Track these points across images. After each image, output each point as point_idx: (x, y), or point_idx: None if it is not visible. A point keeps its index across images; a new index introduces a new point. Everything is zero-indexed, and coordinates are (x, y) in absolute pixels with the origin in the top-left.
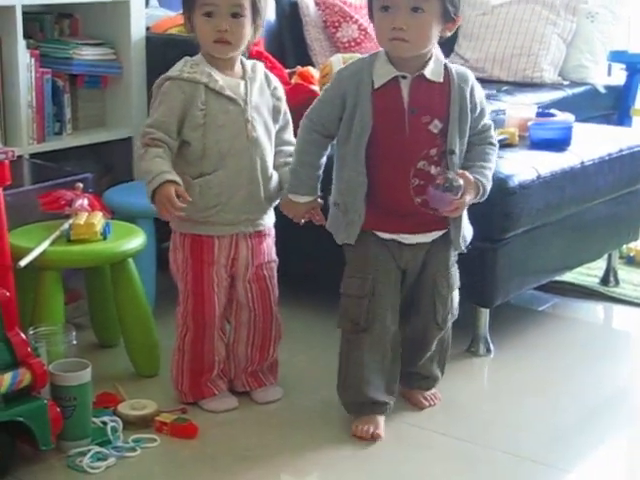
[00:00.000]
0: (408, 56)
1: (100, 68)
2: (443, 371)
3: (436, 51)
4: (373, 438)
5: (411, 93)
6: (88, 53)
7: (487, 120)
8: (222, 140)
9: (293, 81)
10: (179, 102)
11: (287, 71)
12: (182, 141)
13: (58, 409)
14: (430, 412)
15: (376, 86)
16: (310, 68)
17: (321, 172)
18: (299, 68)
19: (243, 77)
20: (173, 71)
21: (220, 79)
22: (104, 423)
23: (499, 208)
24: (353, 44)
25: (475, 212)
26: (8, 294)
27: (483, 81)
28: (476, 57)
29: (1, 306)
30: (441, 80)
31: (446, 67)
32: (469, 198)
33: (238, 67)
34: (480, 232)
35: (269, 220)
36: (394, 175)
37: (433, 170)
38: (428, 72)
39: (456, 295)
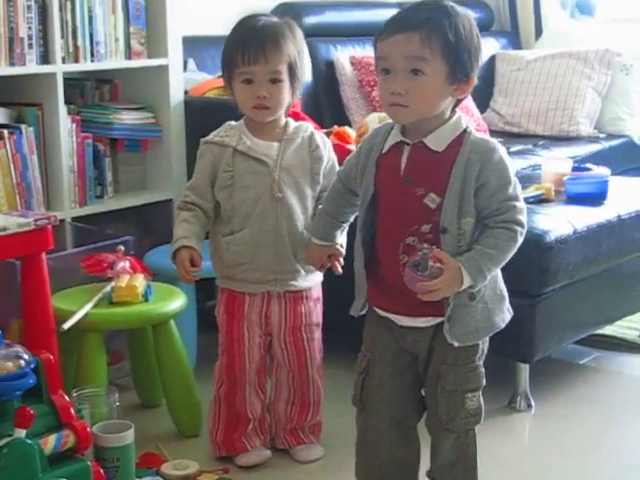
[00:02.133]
0: (410, 122)
1: (140, 132)
2: None
3: (456, 117)
4: None
5: (408, 162)
6: (128, 117)
7: (510, 201)
8: (248, 200)
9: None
10: (209, 164)
11: (324, 131)
12: (216, 201)
13: (102, 470)
14: None
15: (384, 151)
16: (347, 128)
17: (342, 222)
18: (335, 128)
19: (281, 139)
20: (210, 136)
21: (249, 141)
22: None
23: (536, 263)
24: None
25: (513, 268)
26: (52, 357)
27: (519, 136)
28: (512, 112)
29: (46, 369)
30: (442, 149)
31: (462, 135)
32: (445, 283)
33: (279, 129)
34: (518, 288)
35: (306, 282)
36: (385, 248)
37: (442, 240)
38: (429, 139)
39: (474, 397)
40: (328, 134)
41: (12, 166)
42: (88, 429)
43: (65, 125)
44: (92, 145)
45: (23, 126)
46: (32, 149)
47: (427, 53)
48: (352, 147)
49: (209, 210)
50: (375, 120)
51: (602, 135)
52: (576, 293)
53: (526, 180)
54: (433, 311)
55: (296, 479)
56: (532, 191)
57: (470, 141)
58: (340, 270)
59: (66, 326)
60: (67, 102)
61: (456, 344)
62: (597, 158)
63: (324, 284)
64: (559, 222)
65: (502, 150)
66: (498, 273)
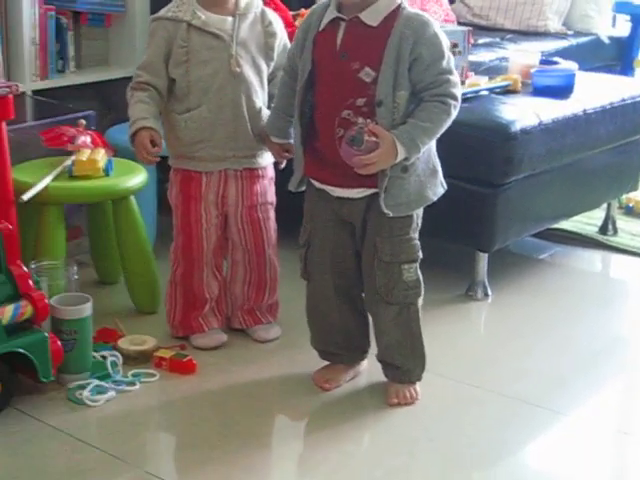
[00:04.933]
0: (354, 2)
1: (104, 6)
2: (418, 365)
3: None
4: (324, 389)
5: (344, 37)
6: None
7: (443, 75)
8: (205, 75)
9: (297, 23)
10: (163, 41)
11: (291, 13)
12: (171, 79)
13: (59, 342)
14: (428, 353)
15: (320, 29)
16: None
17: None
18: (302, 10)
19: (234, 14)
20: (160, 12)
21: (204, 16)
22: (104, 357)
23: (500, 152)
24: None
25: (476, 156)
26: (11, 227)
27: (487, 29)
28: (480, 5)
29: (3, 239)
30: (376, 24)
31: (397, 10)
32: (381, 156)
33: (231, 4)
34: (480, 177)
35: (262, 160)
36: (322, 123)
37: (361, 122)
38: (364, 15)
39: (410, 268)
40: (295, 16)
41: None
42: (46, 301)
43: None
44: (55, 17)
45: None
46: None
47: None
48: None
49: (163, 89)
50: None
51: (570, 32)
52: (538, 185)
53: (493, 71)
54: (366, 182)
55: (254, 357)
56: (498, 82)
57: (404, 16)
58: (283, 166)
59: (25, 197)
60: None
61: (391, 214)
62: (564, 54)
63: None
64: (525, 113)
65: (435, 25)
66: (432, 147)
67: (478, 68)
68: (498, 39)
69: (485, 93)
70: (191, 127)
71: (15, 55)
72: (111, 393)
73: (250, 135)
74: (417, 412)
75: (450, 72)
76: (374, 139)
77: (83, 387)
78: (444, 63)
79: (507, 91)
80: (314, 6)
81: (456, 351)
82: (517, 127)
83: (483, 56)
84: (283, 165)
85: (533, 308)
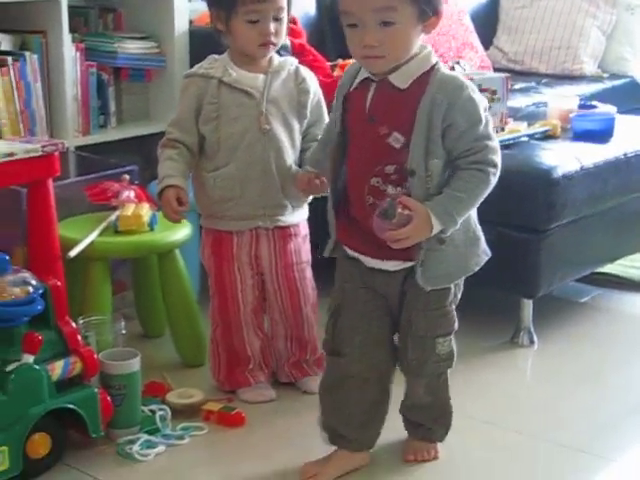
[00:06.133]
0: (387, 69)
1: (144, 61)
2: (442, 429)
3: (425, 52)
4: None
5: (373, 99)
6: (132, 47)
7: (481, 141)
8: (234, 133)
9: (335, 74)
10: (194, 97)
11: (329, 64)
12: (202, 136)
13: (108, 397)
14: (473, 399)
15: (351, 89)
16: (352, 61)
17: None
18: (340, 61)
19: (266, 71)
20: (193, 69)
21: (235, 73)
22: (152, 412)
23: (543, 198)
24: None
25: (519, 203)
26: (59, 284)
27: (522, 74)
28: (515, 50)
29: (53, 296)
30: (406, 86)
31: (430, 72)
32: (414, 230)
33: (265, 62)
34: (524, 223)
35: (293, 218)
36: (353, 188)
37: (390, 190)
38: (394, 76)
39: (445, 341)
40: (333, 67)
41: (16, 93)
42: (95, 356)
43: (69, 53)
44: (96, 74)
45: (27, 53)
46: (36, 77)
47: (395, 2)
48: None
49: (193, 146)
50: None
51: (606, 75)
52: (581, 230)
53: (530, 117)
54: (402, 255)
55: (302, 410)
56: (538, 127)
57: (437, 79)
58: (325, 188)
59: (73, 253)
60: (71, 30)
61: (428, 288)
62: (600, 97)
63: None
64: (566, 158)
65: (471, 87)
66: (472, 215)
67: (516, 114)
68: (534, 84)
69: (525, 139)
70: (220, 185)
71: (58, 111)
72: (160, 447)
73: (280, 193)
74: (462, 459)
75: (488, 137)
76: (407, 212)
77: (133, 442)
78: (481, 128)
79: (547, 136)
80: (349, 65)
81: (502, 398)
82: (559, 173)
83: (520, 101)
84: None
85: (579, 354)
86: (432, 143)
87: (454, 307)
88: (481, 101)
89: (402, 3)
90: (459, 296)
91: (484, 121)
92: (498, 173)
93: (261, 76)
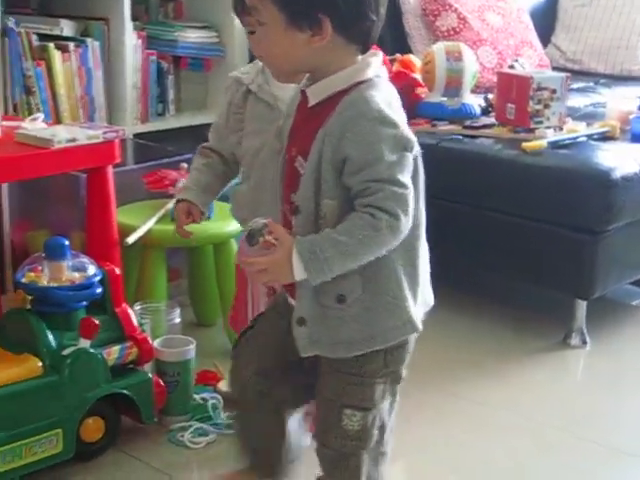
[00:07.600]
0: (282, 79)
1: (203, 51)
2: None
3: (352, 68)
4: None
5: (297, 112)
6: (192, 36)
7: (380, 183)
8: (250, 148)
9: (394, 68)
10: (226, 104)
11: (387, 59)
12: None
13: (162, 384)
14: (525, 401)
15: (297, 102)
16: (412, 56)
17: None
18: (399, 56)
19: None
20: (241, 68)
21: (263, 79)
22: (204, 400)
23: (601, 200)
24: (452, 33)
25: (577, 204)
26: (117, 270)
27: (580, 73)
28: (573, 49)
29: (110, 281)
30: (313, 104)
31: (349, 90)
32: (272, 264)
33: (302, 77)
34: (580, 224)
35: None
36: (273, 214)
37: (294, 221)
38: (310, 89)
39: (353, 416)
40: (392, 62)
41: (77, 79)
42: (150, 342)
43: (130, 41)
44: (156, 62)
45: (89, 40)
46: (97, 63)
47: (255, 1)
48: (417, 76)
49: (229, 155)
50: (442, 49)
51: None
52: (638, 232)
53: (589, 117)
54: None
55: None
56: (597, 128)
57: (348, 100)
58: None
59: (130, 240)
60: (132, 18)
61: (307, 354)
62: None
63: None
64: (625, 160)
65: (381, 119)
66: (394, 276)
67: (574, 114)
68: (592, 84)
69: (583, 139)
70: (233, 202)
71: (117, 99)
72: (212, 435)
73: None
74: (514, 457)
75: (392, 182)
76: (272, 240)
77: (184, 429)
78: (382, 169)
79: (605, 137)
80: None
81: (552, 399)
82: (617, 174)
83: (578, 101)
84: None
85: (631, 356)
86: (322, 179)
87: (382, 382)
88: (393, 138)
89: (262, 2)
90: (400, 372)
91: (389, 161)
92: (399, 226)
93: (293, 86)
